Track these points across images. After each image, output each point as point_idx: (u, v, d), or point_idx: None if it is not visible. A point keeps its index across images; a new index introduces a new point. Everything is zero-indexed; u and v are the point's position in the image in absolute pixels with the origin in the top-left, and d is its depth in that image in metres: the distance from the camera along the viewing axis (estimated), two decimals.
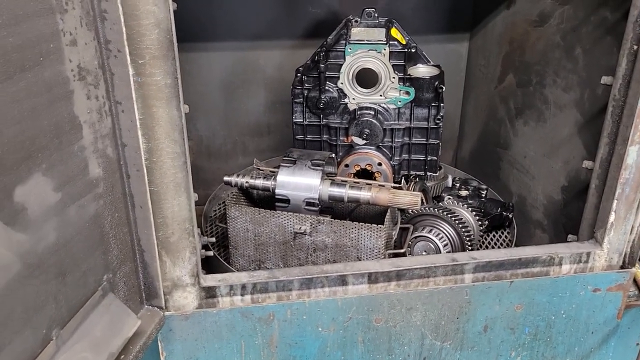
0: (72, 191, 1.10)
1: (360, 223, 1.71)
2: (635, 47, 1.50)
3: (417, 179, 2.17)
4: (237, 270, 1.84)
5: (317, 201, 1.75)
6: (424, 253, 1.85)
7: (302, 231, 1.74)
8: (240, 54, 2.57)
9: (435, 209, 1.90)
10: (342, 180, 1.84)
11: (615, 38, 1.68)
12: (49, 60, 1.00)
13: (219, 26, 2.49)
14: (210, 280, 1.52)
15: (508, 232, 2.25)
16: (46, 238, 1.05)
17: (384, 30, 2.09)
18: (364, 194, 1.76)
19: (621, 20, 1.63)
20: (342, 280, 1.58)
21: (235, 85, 2.61)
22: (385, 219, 1.73)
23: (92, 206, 1.18)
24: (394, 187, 1.82)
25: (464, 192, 2.17)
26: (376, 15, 2.10)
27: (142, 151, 1.26)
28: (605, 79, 1.64)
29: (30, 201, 0.99)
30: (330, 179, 1.80)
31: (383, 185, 1.83)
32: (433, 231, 1.85)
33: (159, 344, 1.52)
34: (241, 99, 2.64)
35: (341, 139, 2.22)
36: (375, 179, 2.11)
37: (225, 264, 1.86)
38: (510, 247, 2.14)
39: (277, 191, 1.77)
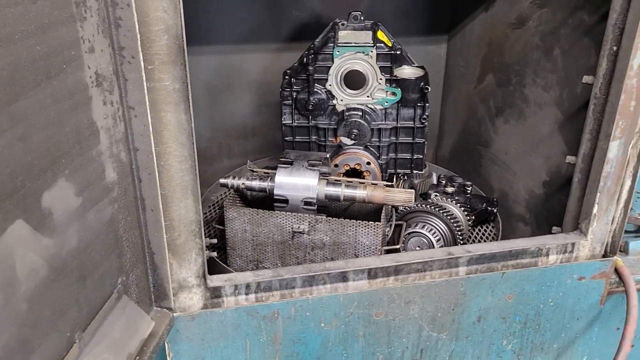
0: (91, 195, 1.12)
1: (358, 221, 1.76)
2: (615, 48, 1.60)
3: (406, 177, 2.24)
4: (236, 271, 1.87)
5: (315, 201, 1.79)
6: (417, 248, 1.92)
7: (301, 230, 1.78)
8: (225, 58, 2.59)
9: (427, 206, 1.97)
10: (336, 180, 1.89)
11: (592, 39, 1.77)
12: (71, 67, 1.02)
13: (204, 30, 2.51)
14: (217, 280, 1.55)
15: (493, 227, 2.34)
16: (69, 242, 1.07)
17: (370, 33, 2.15)
18: (359, 193, 1.82)
19: (598, 23, 1.73)
20: (343, 277, 1.63)
21: (220, 88, 2.63)
22: (382, 216, 1.79)
23: (108, 210, 1.20)
24: (387, 185, 1.88)
25: (450, 189, 2.25)
26: (362, 18, 2.15)
27: (154, 155, 1.29)
28: (586, 78, 1.73)
29: (55, 206, 1.01)
30: (325, 179, 1.85)
31: (376, 184, 1.89)
32: (426, 227, 1.91)
33: (166, 344, 1.54)
34: (226, 102, 2.67)
35: (330, 139, 2.27)
36: (364, 178, 2.17)
37: (223, 264, 1.88)
38: (496, 240, 2.23)
39: (275, 192, 1.80)
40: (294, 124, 2.28)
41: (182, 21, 1.25)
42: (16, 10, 0.87)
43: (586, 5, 1.80)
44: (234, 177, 1.90)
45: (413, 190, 1.81)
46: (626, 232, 1.93)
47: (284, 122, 2.27)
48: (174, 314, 1.51)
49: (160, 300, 1.47)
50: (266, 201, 2.02)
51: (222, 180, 1.90)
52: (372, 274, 1.65)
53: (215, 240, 1.69)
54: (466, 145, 2.65)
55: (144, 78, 1.21)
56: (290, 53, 2.58)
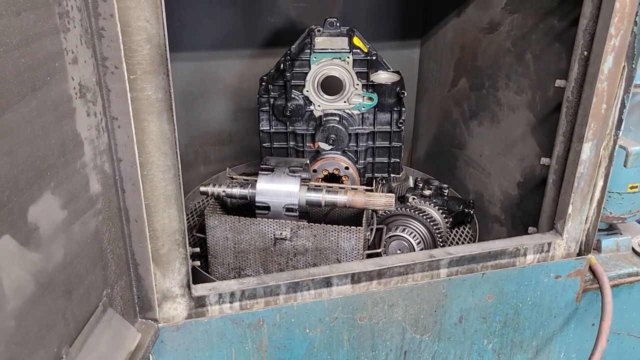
0: (76, 208, 1.11)
1: (340, 226, 1.77)
2: (586, 53, 1.65)
3: (384, 181, 2.26)
4: (217, 279, 1.86)
5: (297, 207, 1.80)
6: (398, 251, 1.94)
7: (283, 237, 1.78)
8: (200, 64, 2.58)
9: (407, 209, 1.99)
10: (316, 186, 1.90)
11: (563, 44, 1.82)
12: (55, 79, 1.01)
13: (178, 37, 2.48)
14: (201, 289, 1.54)
15: (470, 228, 2.38)
16: (55, 256, 1.05)
17: (346, 39, 2.16)
18: (340, 198, 1.83)
19: (568, 28, 1.79)
20: (327, 282, 1.64)
21: (195, 95, 2.61)
22: (363, 221, 1.80)
23: (93, 222, 1.18)
24: (367, 190, 1.89)
25: (427, 192, 2.28)
26: (338, 24, 2.17)
27: (139, 166, 1.27)
28: (559, 82, 1.78)
29: (41, 220, 0.99)
30: (306, 185, 1.86)
31: (356, 189, 1.90)
32: (406, 230, 1.94)
33: (151, 356, 1.52)
34: (202, 109, 2.65)
35: (308, 145, 2.28)
36: (342, 183, 2.18)
37: (205, 273, 1.87)
38: (473, 241, 2.27)
39: (257, 199, 1.80)
40: (272, 130, 2.28)
41: (165, 30, 1.24)
42: (0, 22, 0.86)
43: (556, 12, 1.85)
44: (214, 185, 1.89)
45: (393, 195, 1.83)
46: (598, 230, 1.99)
47: (261, 128, 2.27)
48: (159, 324, 1.49)
49: (145, 311, 1.45)
50: (246, 208, 2.02)
51: (202, 188, 1.89)
52: (355, 278, 1.66)
53: (198, 249, 1.68)
54: (441, 148, 2.69)
55: (128, 88, 1.20)
56: (265, 59, 2.59)
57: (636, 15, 1.57)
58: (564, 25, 1.83)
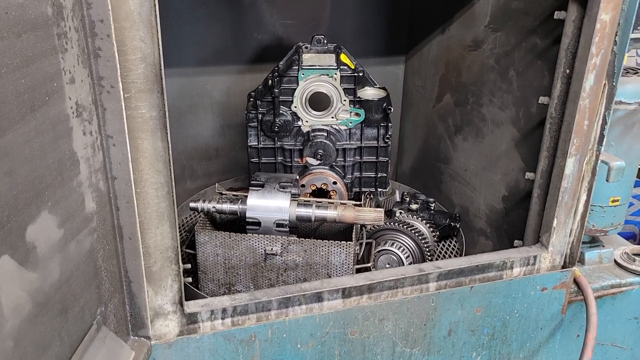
0: (72, 227, 1.11)
1: (330, 241, 1.79)
2: (568, 71, 1.70)
3: (372, 196, 2.28)
4: (207, 295, 1.86)
5: (287, 222, 1.81)
6: (387, 265, 1.96)
7: (274, 252, 1.79)
8: (187, 80, 2.59)
9: (395, 223, 2.02)
10: (305, 201, 1.91)
11: (545, 62, 1.87)
12: (53, 99, 1.01)
13: (165, 52, 2.48)
14: (194, 306, 1.54)
15: (456, 241, 2.41)
16: (52, 275, 1.05)
17: (334, 55, 2.20)
18: (330, 213, 1.85)
19: (551, 47, 1.84)
20: (318, 297, 1.65)
21: (182, 110, 2.61)
22: (353, 236, 1.82)
23: (88, 240, 1.18)
24: (356, 205, 1.92)
25: (414, 206, 2.31)
26: (325, 41, 2.20)
27: (133, 183, 1.28)
28: (542, 99, 1.83)
29: (39, 239, 1.00)
30: (296, 200, 1.87)
31: (345, 204, 1.92)
32: (395, 244, 1.96)
33: None
34: (189, 124, 2.65)
35: (296, 160, 2.30)
36: (330, 197, 2.20)
37: (195, 289, 1.87)
38: (460, 255, 2.30)
39: (248, 214, 1.81)
40: (260, 146, 2.29)
41: (160, 49, 1.26)
42: (2, 44, 0.87)
43: (538, 30, 1.90)
44: (203, 201, 1.90)
45: (382, 209, 1.85)
46: (582, 242, 2.04)
47: (249, 143, 2.29)
48: (151, 342, 1.49)
49: (138, 328, 1.45)
50: (235, 224, 2.03)
51: (192, 204, 1.89)
52: (346, 293, 1.67)
53: (189, 266, 1.69)
54: (426, 162, 2.73)
55: (123, 107, 1.21)
56: (253, 75, 2.61)
57: (615, 35, 1.62)
58: (546, 43, 1.88)
